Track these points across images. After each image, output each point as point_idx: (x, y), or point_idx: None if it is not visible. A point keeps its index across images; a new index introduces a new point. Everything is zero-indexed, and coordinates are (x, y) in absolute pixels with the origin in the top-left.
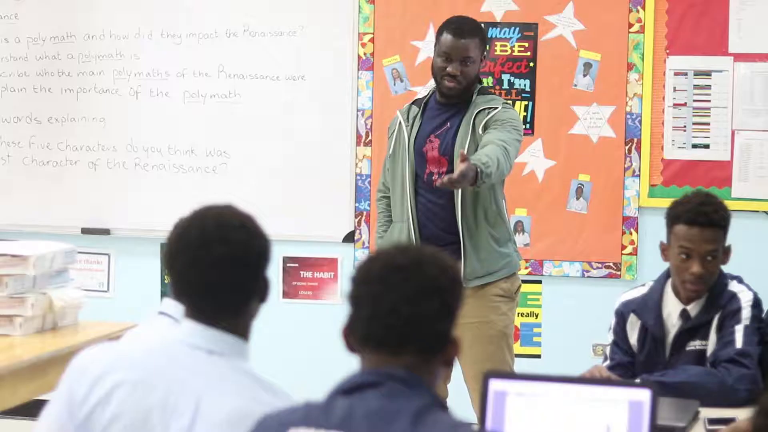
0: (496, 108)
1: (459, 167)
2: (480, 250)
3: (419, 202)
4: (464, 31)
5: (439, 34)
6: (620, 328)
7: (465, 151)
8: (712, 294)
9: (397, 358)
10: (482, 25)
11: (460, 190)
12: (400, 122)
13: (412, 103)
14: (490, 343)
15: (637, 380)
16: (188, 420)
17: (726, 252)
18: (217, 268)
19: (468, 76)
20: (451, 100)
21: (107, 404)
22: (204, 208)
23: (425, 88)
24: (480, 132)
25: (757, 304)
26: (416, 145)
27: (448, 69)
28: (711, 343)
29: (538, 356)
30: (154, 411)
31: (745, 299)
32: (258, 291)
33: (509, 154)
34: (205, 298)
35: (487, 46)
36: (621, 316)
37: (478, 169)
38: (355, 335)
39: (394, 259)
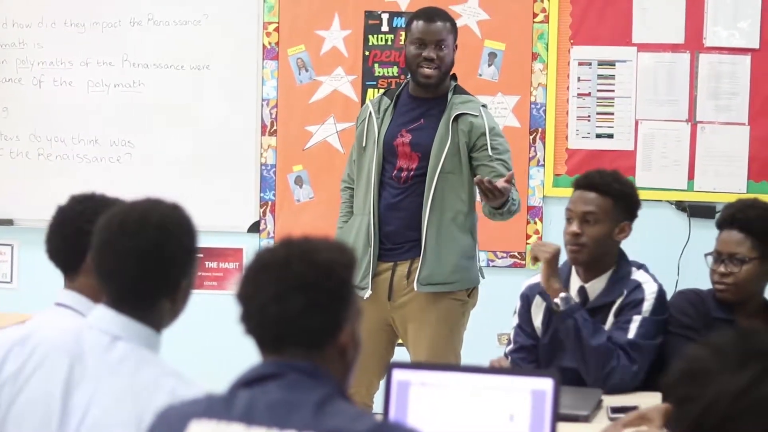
0: (475, 115)
1: (500, 185)
2: (441, 256)
3: (383, 196)
4: (435, 15)
5: (408, 24)
6: (525, 311)
7: (446, 150)
8: (615, 278)
9: (280, 354)
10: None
11: (432, 191)
12: (370, 113)
13: (384, 94)
14: (434, 349)
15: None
16: (88, 397)
17: (621, 229)
18: (122, 257)
19: (444, 61)
20: (427, 93)
21: (15, 381)
22: (144, 199)
23: (330, 77)
24: (462, 139)
25: (660, 296)
26: (386, 137)
27: (423, 54)
28: (608, 327)
29: None
30: (57, 386)
31: (650, 290)
32: (167, 293)
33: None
34: (110, 283)
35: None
36: (526, 299)
37: (510, 199)
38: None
39: (264, 257)
